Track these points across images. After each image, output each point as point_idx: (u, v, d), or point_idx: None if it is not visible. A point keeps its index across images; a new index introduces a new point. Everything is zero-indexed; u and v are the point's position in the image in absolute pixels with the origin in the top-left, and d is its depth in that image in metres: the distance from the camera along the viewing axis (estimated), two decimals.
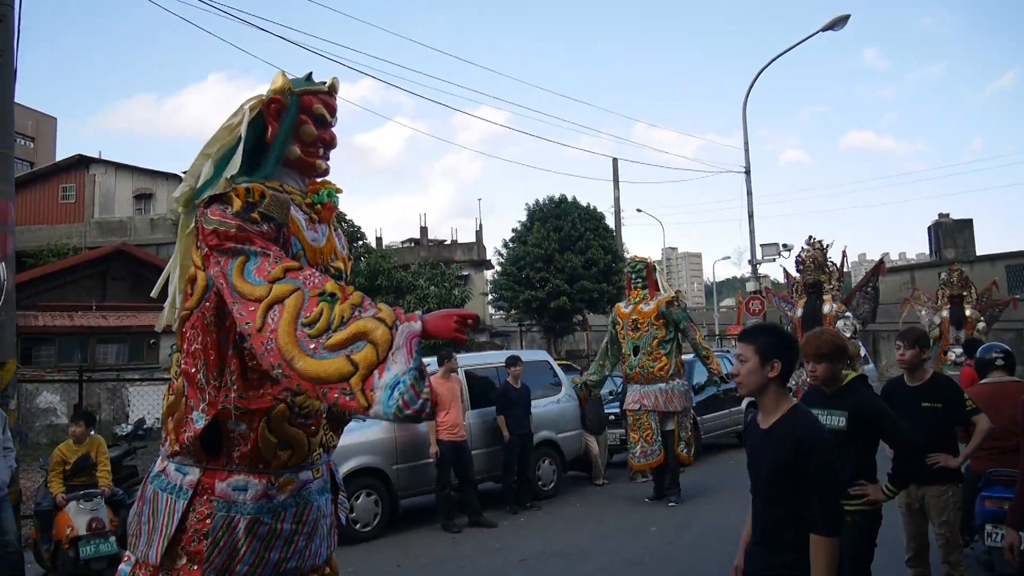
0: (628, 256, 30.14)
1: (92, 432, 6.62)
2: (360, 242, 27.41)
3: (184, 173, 2.60)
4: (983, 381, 5.35)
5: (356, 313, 2.03)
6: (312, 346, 1.99)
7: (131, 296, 21.11)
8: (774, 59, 17.47)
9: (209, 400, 2.33)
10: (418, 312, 2.07)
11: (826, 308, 11.15)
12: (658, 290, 9.12)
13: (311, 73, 2.67)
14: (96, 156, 33.43)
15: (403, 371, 1.92)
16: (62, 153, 41.81)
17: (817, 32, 16.38)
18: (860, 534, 3.67)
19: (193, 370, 2.36)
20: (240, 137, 2.50)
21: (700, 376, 11.70)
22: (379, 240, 36.49)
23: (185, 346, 2.41)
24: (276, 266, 2.18)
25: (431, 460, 7.76)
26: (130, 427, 11.37)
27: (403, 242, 42.24)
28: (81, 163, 32.66)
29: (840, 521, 2.52)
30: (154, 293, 2.80)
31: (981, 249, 45.33)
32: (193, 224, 2.51)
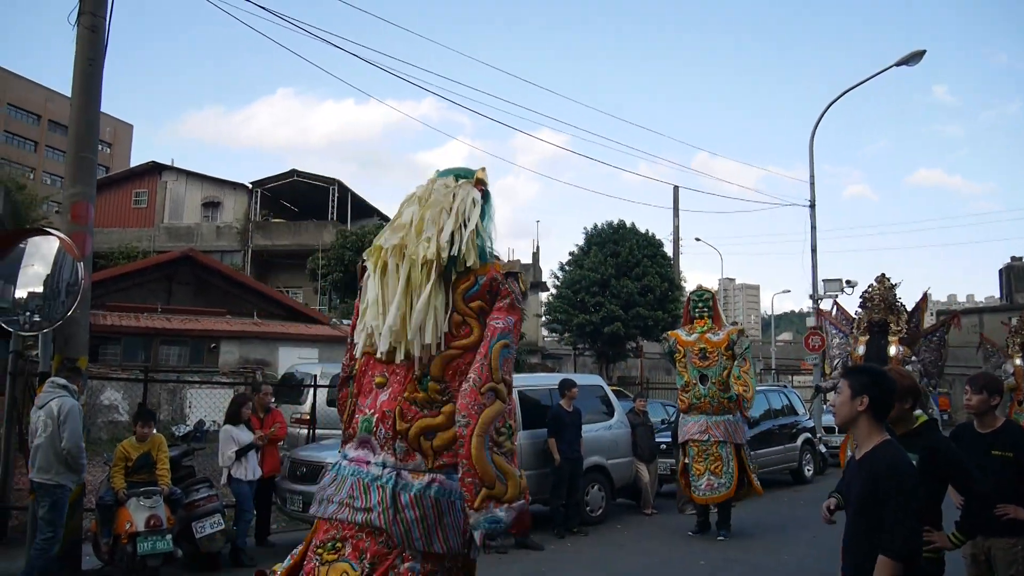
0: (685, 284, 29.81)
1: (154, 431, 6.82)
2: None
3: (429, 231, 3.21)
4: None
5: (511, 457, 2.95)
6: (490, 445, 2.88)
7: (195, 300, 21.74)
8: (845, 92, 17.17)
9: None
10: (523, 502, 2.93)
11: (892, 350, 10.81)
12: (722, 321, 9.04)
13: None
14: (169, 163, 34.73)
15: (506, 522, 2.81)
16: (136, 159, 43.58)
17: (891, 67, 16.04)
18: None
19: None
20: (488, 219, 3.37)
21: (756, 409, 11.48)
22: None
23: (456, 379, 3.06)
24: (511, 372, 3.08)
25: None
26: (189, 427, 11.65)
27: None
28: (154, 170, 33.98)
29: (914, 549, 2.62)
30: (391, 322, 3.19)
31: None
32: (470, 281, 3.16)
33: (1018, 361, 14.40)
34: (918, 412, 3.73)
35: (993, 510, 4.01)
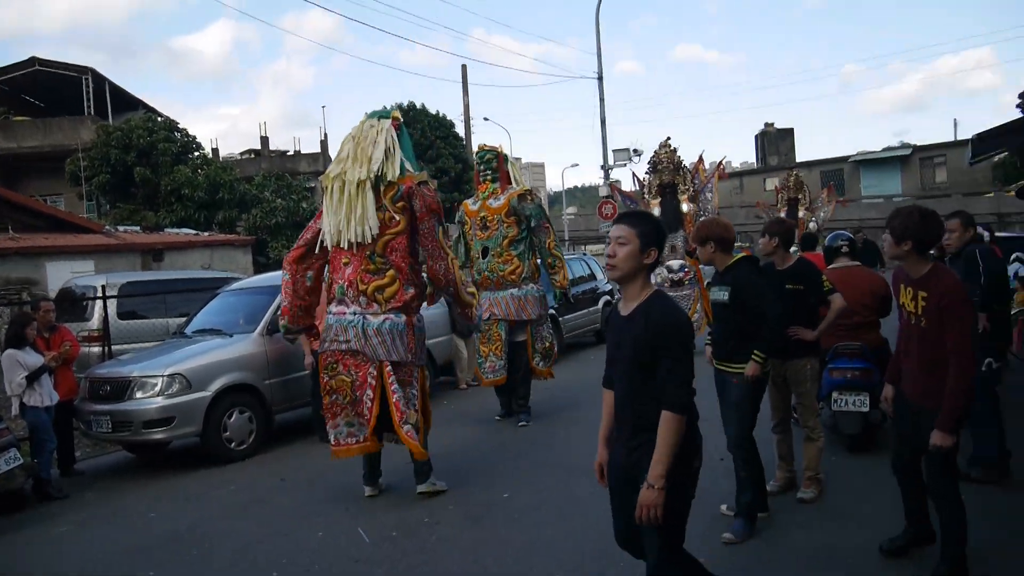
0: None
1: None
2: (196, 153, 25.53)
3: (365, 158, 5.36)
4: (831, 266, 5.88)
5: (468, 285, 6.38)
6: (463, 287, 5.94)
7: None
8: None
9: (411, 280, 5.43)
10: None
11: (685, 207, 11.75)
12: (510, 183, 7.84)
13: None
14: None
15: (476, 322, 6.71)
16: None
17: None
18: (748, 393, 4.26)
19: (404, 263, 5.33)
20: (408, 144, 5.58)
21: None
22: (216, 151, 34.17)
23: (393, 254, 5.31)
24: (448, 238, 6.03)
25: (306, 372, 7.59)
26: None
27: (242, 153, 39.84)
28: None
29: (690, 402, 2.62)
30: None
31: (800, 156, 49.05)
32: (394, 189, 5.27)
33: (783, 215, 16.48)
34: (737, 251, 4.46)
35: (788, 336, 4.58)
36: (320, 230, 5.50)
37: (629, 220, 2.77)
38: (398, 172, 5.30)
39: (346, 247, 5.32)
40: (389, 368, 5.28)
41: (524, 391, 7.83)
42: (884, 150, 43.94)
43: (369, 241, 5.25)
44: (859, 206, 35.66)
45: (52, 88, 30.52)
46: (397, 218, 5.28)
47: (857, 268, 5.87)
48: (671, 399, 2.56)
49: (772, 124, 51.24)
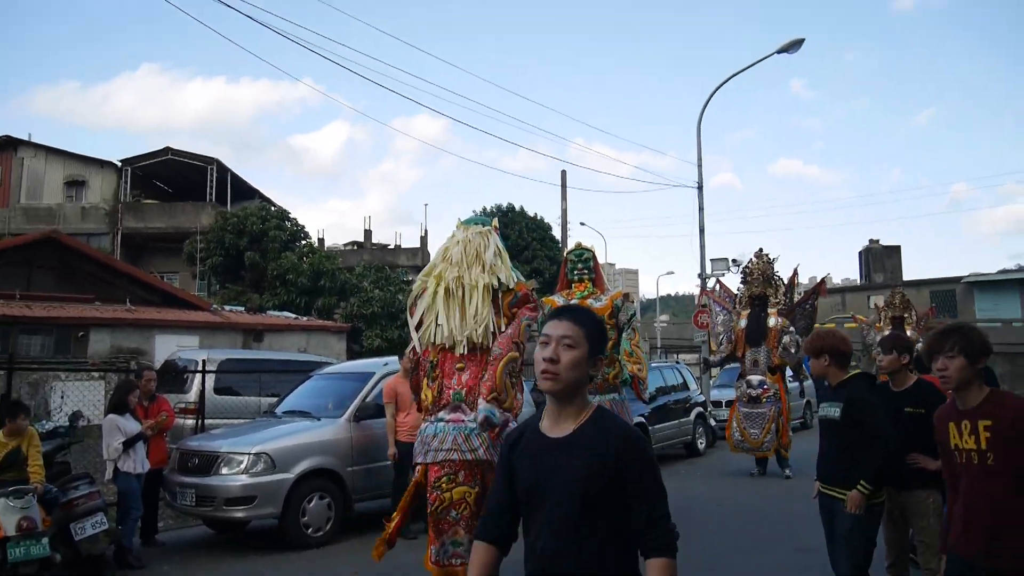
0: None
1: (27, 424, 6.15)
2: (304, 241, 26.77)
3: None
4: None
5: (516, 386, 5.01)
6: (508, 371, 4.90)
7: (59, 286, 20.06)
8: (731, 76, 17.77)
9: (520, 387, 5.08)
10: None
11: (771, 322, 11.29)
12: (604, 284, 7.68)
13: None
14: (26, 138, 31.87)
15: (499, 420, 4.75)
16: None
17: (772, 54, 16.71)
18: (861, 525, 3.93)
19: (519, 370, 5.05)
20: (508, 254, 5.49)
21: (652, 385, 11.69)
22: (321, 241, 35.81)
23: (503, 351, 4.91)
24: (526, 339, 5.18)
25: (388, 462, 7.49)
26: (57, 422, 10.68)
27: (346, 245, 41.54)
28: (8, 145, 31.09)
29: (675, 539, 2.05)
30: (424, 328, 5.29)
31: (907, 275, 47.20)
32: (511, 295, 5.17)
33: (887, 332, 15.72)
34: (854, 365, 4.25)
35: (906, 464, 4.18)
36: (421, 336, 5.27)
37: (576, 317, 2.16)
38: (513, 279, 5.29)
39: (462, 352, 5.07)
40: None
41: None
42: (999, 272, 41.77)
43: (489, 345, 5.05)
44: None
45: (181, 175, 32.99)
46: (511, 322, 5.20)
47: None
48: (663, 539, 1.99)
49: (877, 240, 49.76)
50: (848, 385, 4.07)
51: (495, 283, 5.11)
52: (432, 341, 5.14)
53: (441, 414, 5.02)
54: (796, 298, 11.98)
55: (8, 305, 17.36)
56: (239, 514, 6.96)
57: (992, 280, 40.91)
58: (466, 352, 5.03)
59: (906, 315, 16.09)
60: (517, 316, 5.10)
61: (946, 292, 41.03)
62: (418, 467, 5.16)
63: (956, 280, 41.86)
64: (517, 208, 33.59)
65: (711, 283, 18.82)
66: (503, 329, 5.04)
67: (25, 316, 16.90)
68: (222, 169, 32.31)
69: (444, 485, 4.89)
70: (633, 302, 7.58)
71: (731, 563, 6.38)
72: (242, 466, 6.95)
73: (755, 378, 10.81)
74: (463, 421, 4.93)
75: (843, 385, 4.09)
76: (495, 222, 5.60)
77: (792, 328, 11.01)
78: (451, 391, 5.04)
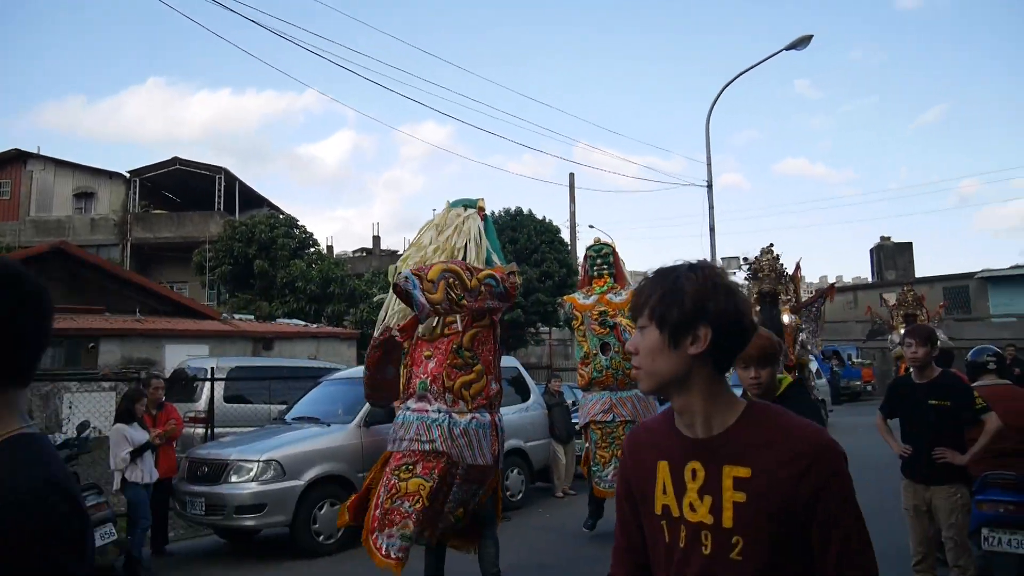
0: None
1: None
2: (312, 249, 26.75)
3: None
4: (976, 384, 5.28)
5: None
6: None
7: (68, 298, 20.08)
8: (740, 74, 17.64)
9: (496, 375, 5.05)
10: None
11: (785, 319, 11.09)
12: (626, 280, 7.72)
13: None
14: (35, 151, 32.03)
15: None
16: None
17: (781, 51, 16.58)
18: None
19: (491, 357, 4.96)
20: (493, 236, 5.30)
21: None
22: (330, 248, 35.79)
23: (481, 347, 4.88)
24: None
25: None
26: (63, 436, 10.64)
27: (355, 251, 41.55)
28: (17, 158, 31.23)
29: None
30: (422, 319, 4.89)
31: (920, 272, 46.86)
32: (488, 281, 4.74)
33: (902, 331, 15.55)
34: (781, 375, 3.31)
35: (931, 458, 4.05)
36: (390, 326, 5.14)
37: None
38: (484, 264, 5.00)
39: (430, 339, 4.93)
40: (460, 471, 4.85)
41: None
42: (1012, 267, 41.38)
43: (458, 333, 4.87)
44: (988, 325, 33.38)
45: (189, 185, 33.06)
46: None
47: (1008, 387, 5.26)
48: None
49: (888, 238, 49.40)
50: (788, 399, 3.18)
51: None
52: (399, 326, 5.05)
53: (409, 403, 4.96)
54: (802, 295, 11.82)
55: None
56: (249, 522, 6.88)
57: (1006, 275, 40.52)
58: (434, 341, 4.91)
59: (918, 312, 15.96)
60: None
61: (959, 288, 40.67)
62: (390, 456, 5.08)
63: (969, 276, 41.49)
64: (525, 211, 33.49)
65: None
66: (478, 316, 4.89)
67: None
68: (230, 178, 32.35)
69: (402, 475, 4.78)
70: None
71: None
72: (252, 474, 6.87)
73: None
74: (427, 411, 4.82)
75: (782, 401, 3.18)
76: (481, 202, 5.33)
77: (804, 325, 10.85)
78: (418, 380, 4.92)
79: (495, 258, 5.16)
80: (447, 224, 5.09)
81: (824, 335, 13.04)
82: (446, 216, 5.17)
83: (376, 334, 5.22)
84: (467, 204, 5.30)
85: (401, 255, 5.20)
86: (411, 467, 4.76)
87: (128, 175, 31.90)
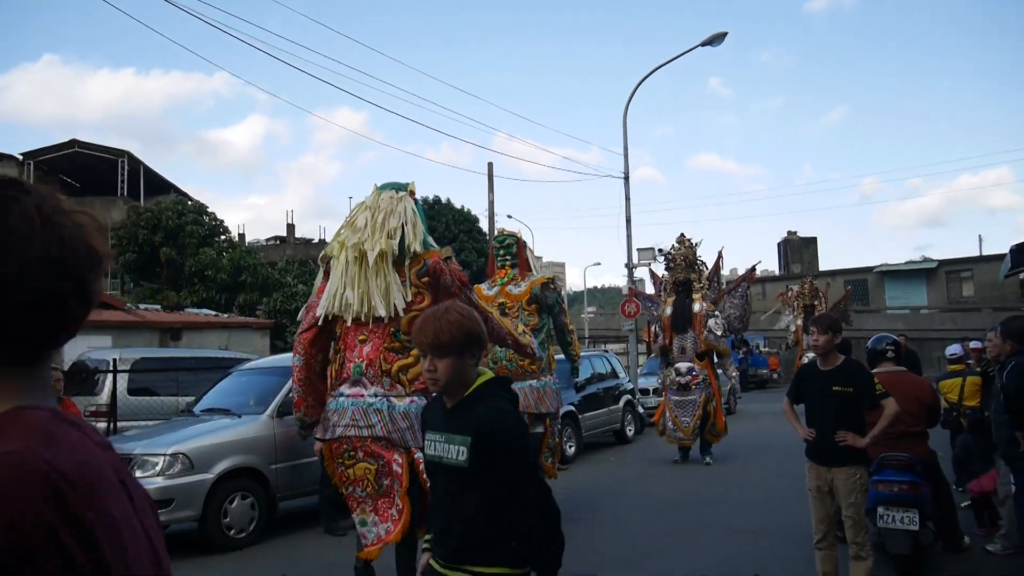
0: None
1: None
2: (223, 237, 25.89)
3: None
4: (875, 370, 5.55)
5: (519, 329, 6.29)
6: (518, 335, 6.00)
7: None
8: (656, 68, 17.96)
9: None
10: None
11: (696, 307, 11.32)
12: (529, 270, 7.68)
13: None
14: None
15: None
16: None
17: (696, 47, 16.99)
18: None
19: None
20: (423, 221, 5.07)
21: (583, 373, 11.72)
22: (242, 236, 34.76)
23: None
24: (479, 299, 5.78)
25: (316, 458, 7.23)
26: None
27: (268, 239, 40.50)
28: None
29: None
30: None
31: (824, 265, 49.00)
32: (420, 264, 4.80)
33: (799, 321, 16.47)
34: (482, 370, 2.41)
35: (834, 441, 4.23)
36: (324, 305, 4.95)
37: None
38: (420, 246, 4.88)
39: (365, 323, 4.79)
40: (419, 456, 4.46)
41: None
42: (907, 263, 43.82)
43: (394, 316, 4.72)
44: (885, 316, 35.23)
45: (89, 169, 31.46)
46: (423, 294, 4.79)
47: (904, 374, 5.56)
48: None
49: (795, 232, 51.45)
50: (483, 401, 2.29)
51: (395, 250, 4.76)
52: (333, 312, 4.85)
53: (342, 388, 4.82)
54: (722, 283, 12.14)
55: None
56: None
57: (901, 270, 42.88)
58: (369, 324, 4.77)
59: (816, 303, 16.84)
60: (459, 294, 4.86)
61: (859, 281, 42.77)
62: (323, 446, 5.08)
63: (869, 270, 43.72)
64: (444, 200, 33.40)
65: (639, 273, 19.10)
66: (409, 299, 4.73)
67: None
68: (134, 162, 30.97)
69: (346, 462, 4.75)
70: (556, 288, 7.68)
71: (667, 547, 6.40)
72: (158, 468, 6.60)
73: (683, 365, 10.86)
74: (363, 396, 4.72)
75: (471, 403, 2.29)
76: (412, 186, 5.22)
77: (717, 312, 11.13)
78: (352, 364, 4.79)
79: (431, 239, 5.08)
80: (379, 207, 4.96)
81: (752, 316, 13.42)
82: (377, 199, 5.05)
83: (304, 315, 5.13)
84: (397, 188, 5.17)
85: (333, 238, 5.07)
86: (352, 453, 4.72)
87: (21, 157, 30.10)
